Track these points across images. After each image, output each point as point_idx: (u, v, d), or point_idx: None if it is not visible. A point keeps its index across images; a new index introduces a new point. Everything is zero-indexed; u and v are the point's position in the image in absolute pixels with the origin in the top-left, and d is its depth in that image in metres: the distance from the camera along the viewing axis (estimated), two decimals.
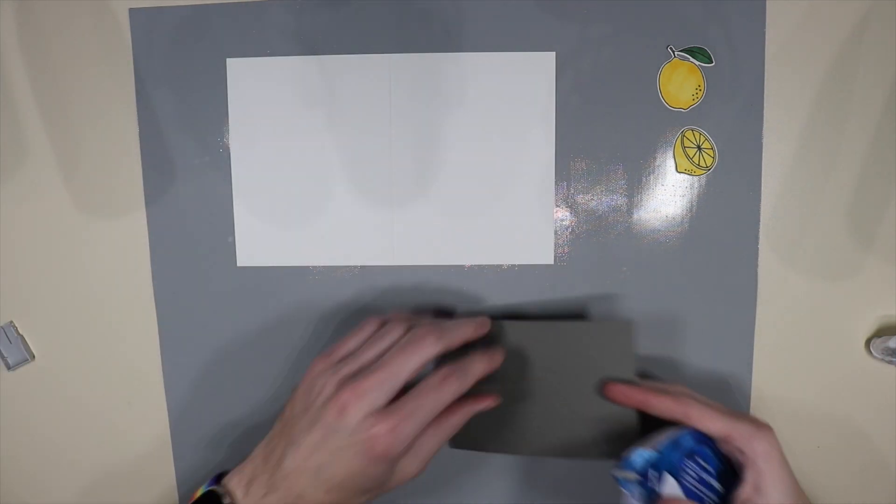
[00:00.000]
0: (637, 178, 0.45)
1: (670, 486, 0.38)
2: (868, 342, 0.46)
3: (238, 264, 0.47)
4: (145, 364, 0.48)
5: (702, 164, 0.45)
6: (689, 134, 0.45)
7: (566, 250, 0.46)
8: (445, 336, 0.37)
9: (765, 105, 0.44)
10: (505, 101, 0.45)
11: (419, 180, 0.46)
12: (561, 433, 0.43)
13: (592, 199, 0.46)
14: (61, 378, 0.49)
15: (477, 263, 0.46)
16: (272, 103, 0.46)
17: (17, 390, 0.49)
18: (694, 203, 0.45)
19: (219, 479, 0.38)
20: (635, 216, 0.46)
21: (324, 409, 0.35)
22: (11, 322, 0.49)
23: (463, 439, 0.45)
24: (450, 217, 0.46)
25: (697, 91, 0.44)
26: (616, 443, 0.42)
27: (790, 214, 0.45)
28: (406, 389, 0.36)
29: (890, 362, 0.45)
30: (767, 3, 0.44)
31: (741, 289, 0.46)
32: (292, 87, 0.46)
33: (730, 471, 0.38)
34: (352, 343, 0.38)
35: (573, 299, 0.46)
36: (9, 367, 0.48)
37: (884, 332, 0.46)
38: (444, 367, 0.37)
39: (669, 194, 0.45)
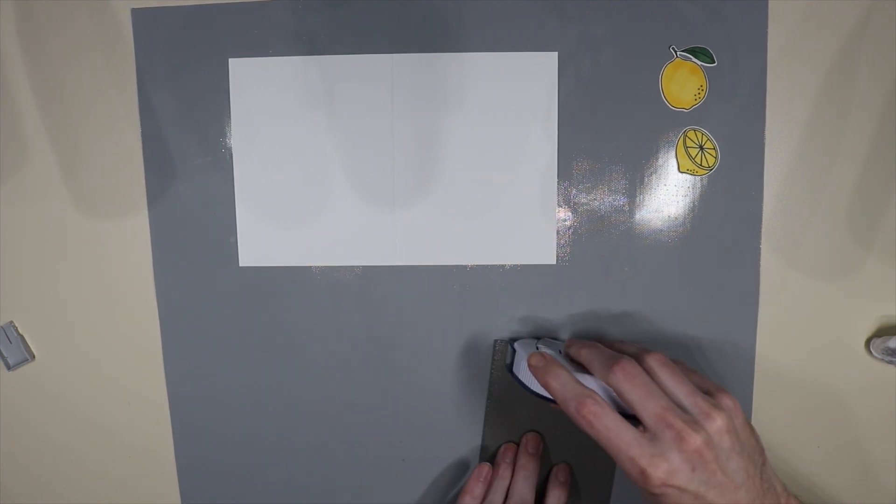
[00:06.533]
0: (639, 178, 0.45)
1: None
2: (868, 342, 0.46)
3: (240, 264, 0.47)
4: (146, 364, 0.48)
5: (704, 164, 0.45)
6: (691, 134, 0.45)
7: (568, 250, 0.46)
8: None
9: (767, 105, 0.44)
10: (507, 102, 0.45)
11: (421, 180, 0.46)
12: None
13: (594, 199, 0.46)
14: (61, 378, 0.49)
15: (479, 264, 0.46)
16: (274, 103, 0.46)
17: (17, 390, 0.49)
18: (696, 203, 0.45)
19: None
20: (637, 216, 0.46)
21: None
22: (11, 322, 0.48)
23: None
24: (452, 217, 0.46)
25: (700, 91, 0.44)
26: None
27: (791, 214, 0.45)
28: None
29: (890, 362, 0.45)
30: (770, 2, 0.44)
31: (743, 288, 0.46)
32: (294, 88, 0.46)
33: None
34: (478, 489, 0.46)
35: (575, 299, 0.46)
36: (9, 367, 0.48)
37: (884, 332, 0.46)
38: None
39: (671, 194, 0.45)
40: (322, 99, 0.46)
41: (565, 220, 0.46)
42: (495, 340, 0.47)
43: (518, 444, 0.48)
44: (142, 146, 0.46)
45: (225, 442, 0.49)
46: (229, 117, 0.46)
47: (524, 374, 0.41)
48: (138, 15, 0.45)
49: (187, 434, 0.49)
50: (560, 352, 0.42)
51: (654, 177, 0.45)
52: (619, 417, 0.36)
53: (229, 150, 0.46)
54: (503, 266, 0.46)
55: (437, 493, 0.49)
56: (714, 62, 0.44)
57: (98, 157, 0.47)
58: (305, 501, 0.49)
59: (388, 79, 0.45)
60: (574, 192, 0.46)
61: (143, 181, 0.47)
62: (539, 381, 0.39)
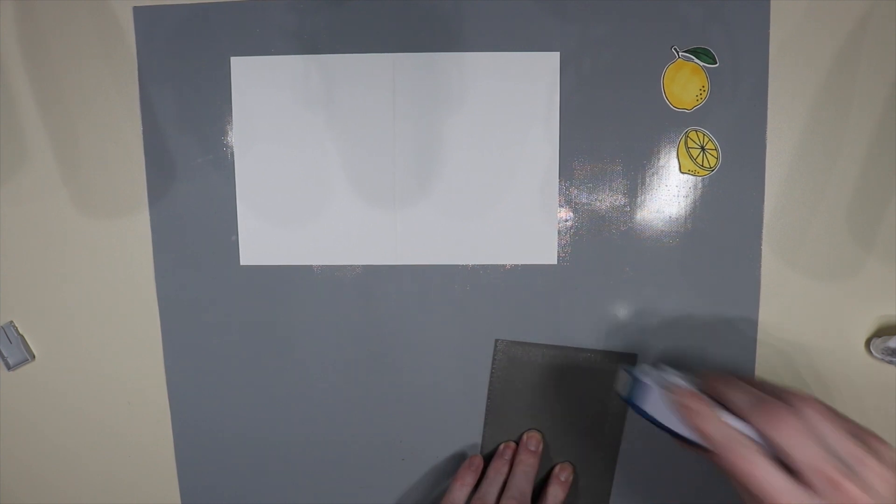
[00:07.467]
0: (640, 178, 0.45)
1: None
2: (868, 342, 0.46)
3: (241, 263, 0.47)
4: (147, 363, 0.48)
5: (705, 164, 0.45)
6: (692, 134, 0.45)
7: (569, 250, 0.46)
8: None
9: (768, 106, 0.45)
10: (508, 101, 0.45)
11: (422, 179, 0.46)
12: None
13: (595, 200, 0.46)
14: (61, 378, 0.49)
15: (480, 263, 0.46)
16: (275, 102, 0.46)
17: (17, 390, 0.49)
18: (697, 203, 0.45)
19: None
20: (638, 216, 0.46)
21: None
22: (11, 322, 0.48)
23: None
24: (452, 217, 0.46)
25: (701, 92, 0.44)
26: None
27: (792, 215, 0.45)
28: None
29: (890, 362, 0.45)
30: (772, 3, 0.44)
31: (744, 288, 0.46)
32: (295, 86, 0.46)
33: None
34: (469, 477, 0.47)
35: (576, 299, 0.46)
36: (9, 367, 0.48)
37: (884, 332, 0.46)
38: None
39: (672, 195, 0.45)
40: (323, 98, 0.46)
41: (566, 220, 0.46)
42: (496, 340, 0.47)
43: (517, 444, 0.48)
44: (143, 145, 0.46)
45: (225, 442, 0.49)
46: (230, 116, 0.46)
47: (657, 409, 0.39)
48: (140, 13, 0.45)
49: (187, 434, 0.49)
50: (693, 384, 0.40)
51: (655, 177, 0.45)
52: (771, 464, 0.35)
53: (230, 148, 0.46)
54: (504, 266, 0.46)
55: (438, 492, 0.49)
56: (716, 63, 0.44)
57: (98, 156, 0.47)
58: (305, 501, 0.49)
59: (390, 78, 0.45)
60: (575, 192, 0.46)
61: (144, 180, 0.47)
62: (690, 424, 0.38)
